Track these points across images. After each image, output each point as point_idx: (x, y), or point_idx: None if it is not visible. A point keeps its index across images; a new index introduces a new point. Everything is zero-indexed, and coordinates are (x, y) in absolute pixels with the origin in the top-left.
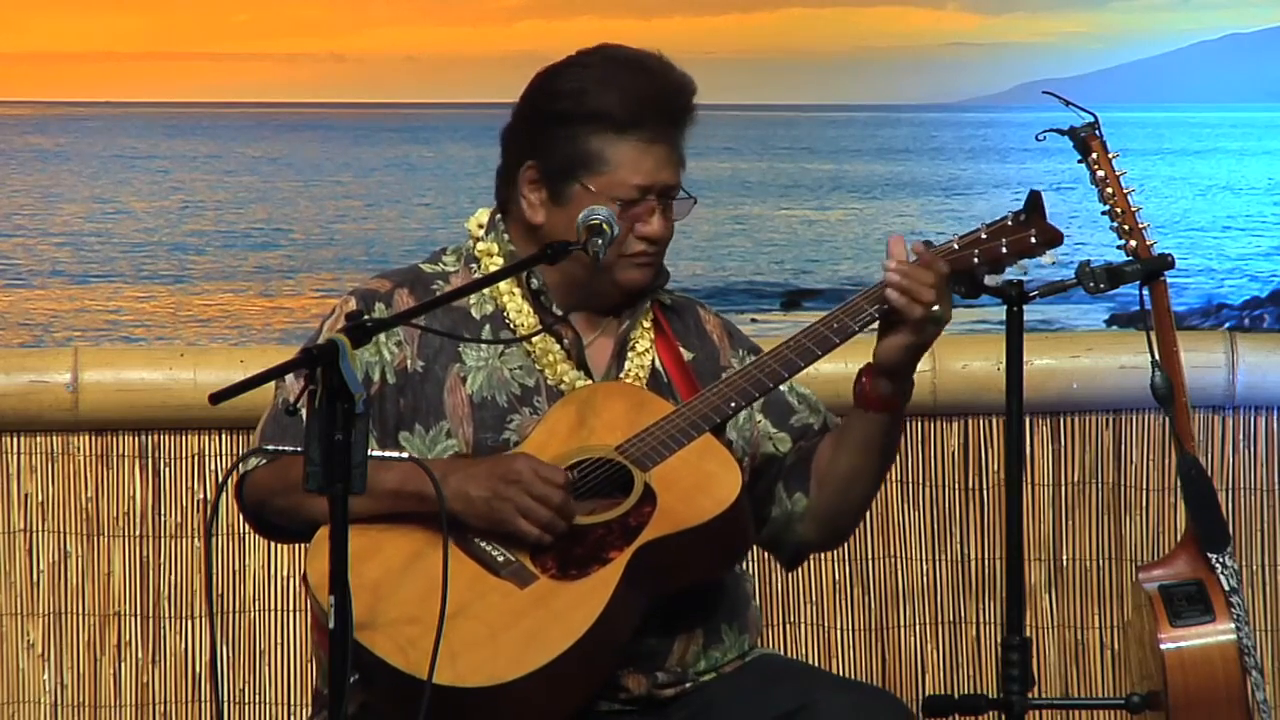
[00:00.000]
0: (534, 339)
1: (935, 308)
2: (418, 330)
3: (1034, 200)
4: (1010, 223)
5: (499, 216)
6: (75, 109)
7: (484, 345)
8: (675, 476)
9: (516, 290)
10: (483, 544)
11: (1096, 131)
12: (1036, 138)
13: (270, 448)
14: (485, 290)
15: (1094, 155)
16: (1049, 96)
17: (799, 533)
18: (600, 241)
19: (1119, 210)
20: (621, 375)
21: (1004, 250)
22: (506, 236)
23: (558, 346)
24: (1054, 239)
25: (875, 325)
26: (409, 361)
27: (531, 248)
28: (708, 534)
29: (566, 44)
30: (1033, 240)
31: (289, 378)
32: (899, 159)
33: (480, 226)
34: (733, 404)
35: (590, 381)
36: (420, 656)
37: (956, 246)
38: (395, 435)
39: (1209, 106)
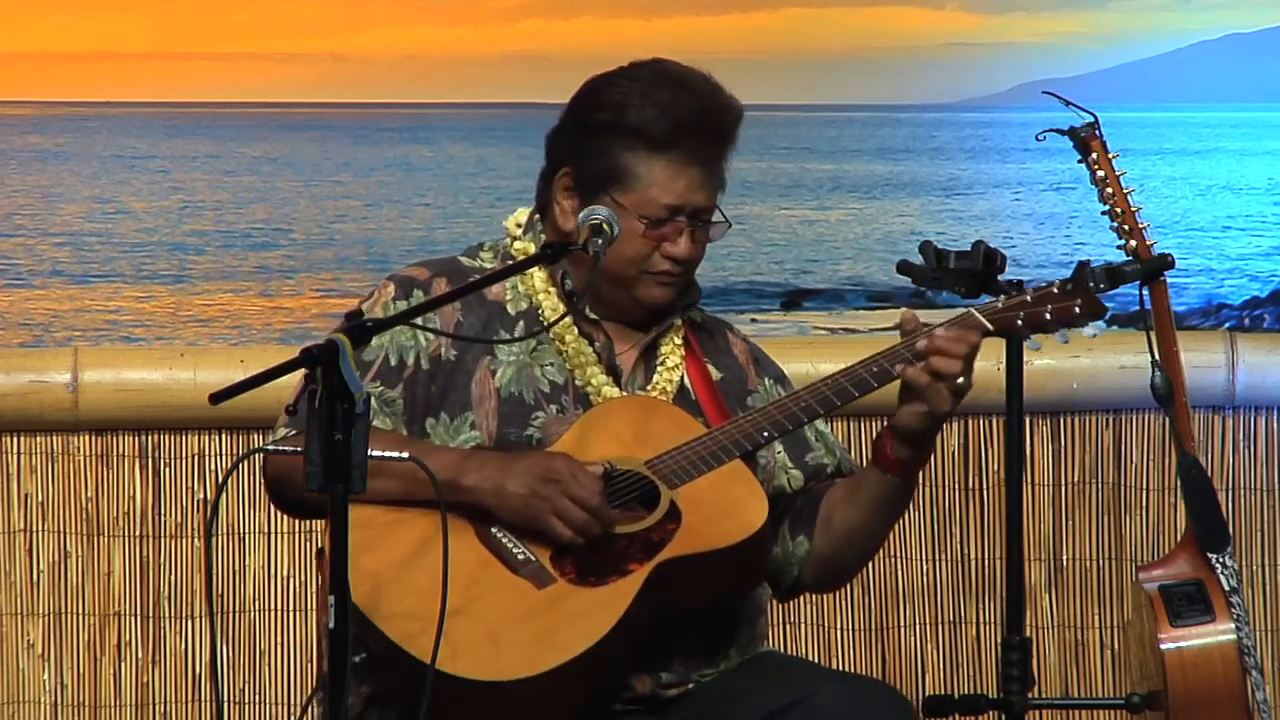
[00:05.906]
0: (568, 340)
1: (959, 380)
2: (456, 318)
3: (1081, 271)
4: (1056, 290)
5: (537, 217)
6: (75, 109)
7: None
8: (702, 497)
9: (552, 289)
10: (504, 540)
11: (1096, 131)
12: (1036, 138)
13: (271, 446)
14: (520, 287)
15: (1094, 155)
16: (1049, 96)
17: (795, 575)
18: (600, 241)
19: (1119, 210)
20: (649, 387)
21: (1048, 317)
22: (543, 238)
23: (590, 349)
24: (1098, 311)
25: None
26: (444, 349)
27: None
28: (729, 558)
29: (566, 44)
30: (1077, 310)
31: None
32: (899, 159)
33: (518, 225)
34: (765, 433)
35: (617, 387)
36: (429, 643)
37: (1001, 307)
38: (423, 421)
39: (1209, 106)
